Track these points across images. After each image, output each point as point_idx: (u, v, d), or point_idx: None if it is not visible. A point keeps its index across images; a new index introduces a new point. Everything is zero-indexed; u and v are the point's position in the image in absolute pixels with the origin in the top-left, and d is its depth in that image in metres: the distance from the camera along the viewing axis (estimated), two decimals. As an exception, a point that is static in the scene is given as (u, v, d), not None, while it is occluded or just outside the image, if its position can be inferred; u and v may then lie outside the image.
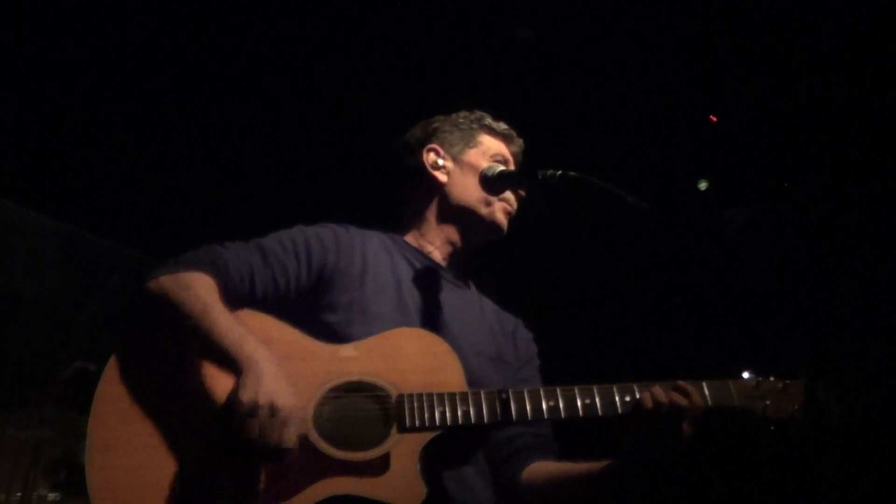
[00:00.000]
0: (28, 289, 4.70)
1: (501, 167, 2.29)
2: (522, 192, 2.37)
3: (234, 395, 1.79)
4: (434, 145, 2.40)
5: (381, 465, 1.87)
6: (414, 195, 2.41)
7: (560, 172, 2.02)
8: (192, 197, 4.79)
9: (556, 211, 2.27)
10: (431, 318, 2.15)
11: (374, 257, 2.21)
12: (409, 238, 2.36)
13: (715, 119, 4.40)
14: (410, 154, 2.41)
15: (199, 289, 1.94)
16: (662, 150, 4.57)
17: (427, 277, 2.25)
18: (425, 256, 2.31)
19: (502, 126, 2.46)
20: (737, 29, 4.02)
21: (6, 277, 4.62)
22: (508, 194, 2.34)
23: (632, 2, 4.03)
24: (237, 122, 4.56)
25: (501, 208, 2.33)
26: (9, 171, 4.45)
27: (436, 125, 2.45)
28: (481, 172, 2.29)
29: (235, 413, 1.77)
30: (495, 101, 2.56)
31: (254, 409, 1.76)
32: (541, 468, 2.18)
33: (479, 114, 2.47)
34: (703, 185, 4.54)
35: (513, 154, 2.45)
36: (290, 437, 1.78)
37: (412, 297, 2.17)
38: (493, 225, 2.33)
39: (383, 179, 2.55)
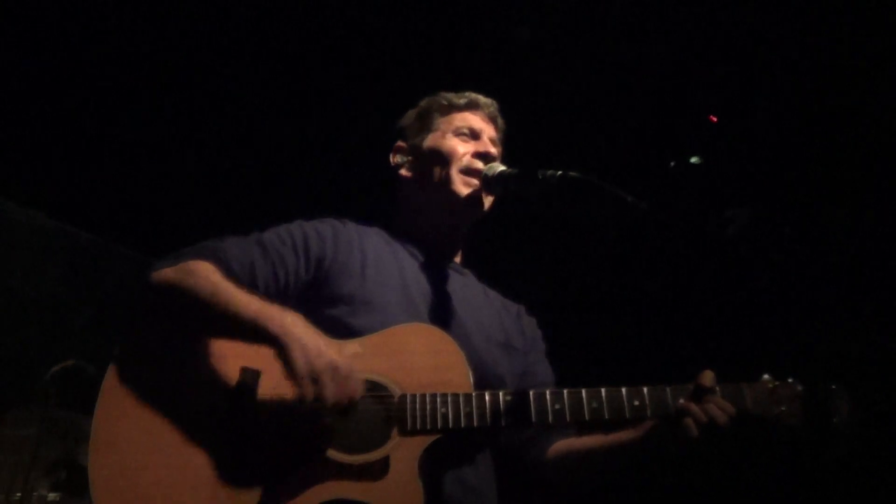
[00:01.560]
0: (28, 289, 4.69)
1: (501, 167, 2.25)
2: (495, 148, 2.32)
3: (291, 369, 1.78)
4: (398, 143, 2.41)
5: (380, 469, 1.85)
6: (397, 195, 2.43)
7: (560, 173, 1.99)
8: (191, 197, 4.79)
9: (557, 212, 2.24)
10: (439, 307, 2.12)
11: (373, 250, 2.19)
12: (405, 232, 2.34)
13: (715, 119, 4.39)
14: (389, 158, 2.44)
15: (204, 273, 1.93)
16: (662, 150, 4.57)
17: (430, 267, 2.24)
18: (424, 247, 2.29)
19: (463, 97, 2.39)
20: (737, 28, 4.02)
21: (6, 277, 4.61)
22: (469, 160, 2.27)
23: (631, 1, 4.03)
24: (236, 122, 4.55)
25: (461, 181, 2.26)
26: (9, 171, 4.45)
27: (402, 122, 2.44)
28: (482, 173, 2.26)
29: (302, 387, 1.77)
30: (496, 100, 2.54)
31: (317, 377, 1.77)
32: (565, 444, 2.16)
33: (440, 95, 2.41)
34: (695, 160, 4.49)
35: (488, 117, 2.38)
36: (359, 387, 1.82)
37: (417, 286, 2.15)
38: (458, 198, 2.25)
39: (381, 175, 2.54)
